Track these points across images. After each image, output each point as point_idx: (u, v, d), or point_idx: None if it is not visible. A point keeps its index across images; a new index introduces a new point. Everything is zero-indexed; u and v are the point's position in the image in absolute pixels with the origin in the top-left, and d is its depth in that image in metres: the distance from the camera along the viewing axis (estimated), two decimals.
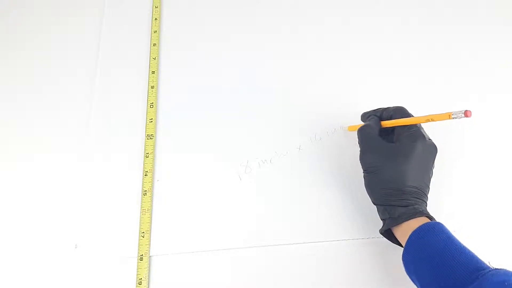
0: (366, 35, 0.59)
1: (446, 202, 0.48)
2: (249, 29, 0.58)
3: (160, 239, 0.46)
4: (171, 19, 0.59)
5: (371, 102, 0.54)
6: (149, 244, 0.45)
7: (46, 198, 0.47)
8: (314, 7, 0.61)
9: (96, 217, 0.47)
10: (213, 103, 0.53)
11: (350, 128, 0.50)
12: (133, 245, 0.45)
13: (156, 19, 0.58)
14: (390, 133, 0.45)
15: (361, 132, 0.45)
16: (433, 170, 0.43)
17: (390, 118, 0.45)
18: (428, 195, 0.43)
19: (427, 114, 0.41)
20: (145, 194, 0.47)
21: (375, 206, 0.44)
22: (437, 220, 0.40)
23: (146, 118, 0.52)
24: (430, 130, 0.45)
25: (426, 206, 0.42)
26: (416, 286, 0.39)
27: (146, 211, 0.47)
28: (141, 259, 0.44)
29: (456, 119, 0.38)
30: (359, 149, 0.45)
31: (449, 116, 0.38)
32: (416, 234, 0.38)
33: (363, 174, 0.44)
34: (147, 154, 0.50)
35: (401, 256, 0.40)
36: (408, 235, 0.39)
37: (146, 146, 0.50)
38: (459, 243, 0.37)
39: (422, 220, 0.39)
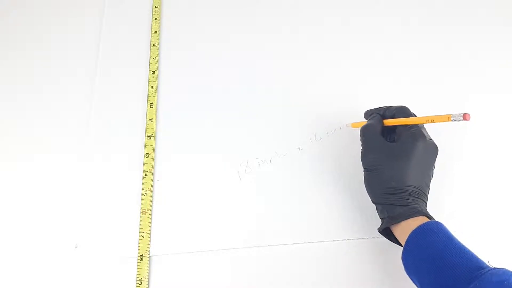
0: (366, 35, 0.59)
1: (446, 202, 0.48)
2: (249, 29, 0.58)
3: (160, 239, 0.46)
4: (171, 19, 0.59)
5: (371, 102, 0.53)
6: (149, 244, 0.45)
7: (46, 198, 0.47)
8: (314, 7, 0.61)
9: (96, 217, 0.47)
10: (213, 103, 0.53)
11: (354, 125, 0.50)
12: (133, 245, 0.45)
13: (156, 19, 0.58)
14: (391, 132, 0.45)
15: (364, 130, 0.45)
16: (434, 171, 0.43)
17: (393, 117, 0.45)
18: (428, 195, 0.43)
19: (428, 115, 0.41)
20: (145, 194, 0.47)
21: (375, 206, 0.44)
22: (437, 220, 0.40)
23: (146, 118, 0.52)
24: (429, 129, 0.45)
25: (426, 206, 0.42)
26: (416, 285, 0.39)
27: (146, 211, 0.47)
28: (141, 259, 0.44)
29: (455, 121, 0.37)
30: (360, 147, 0.45)
31: (448, 118, 0.38)
32: (416, 234, 0.38)
33: (363, 172, 0.44)
34: (147, 154, 0.50)
35: (400, 256, 0.40)
36: (407, 234, 0.39)
37: (146, 146, 0.50)
38: (459, 242, 0.37)
39: (422, 220, 0.39)
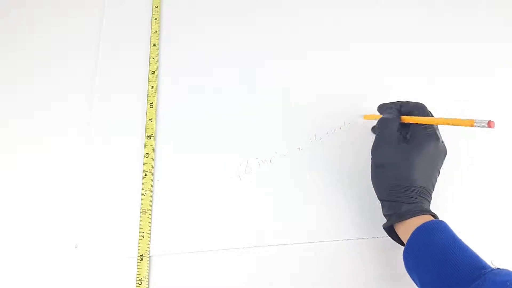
0: (366, 35, 0.59)
1: (448, 203, 0.48)
2: (249, 29, 0.58)
3: (160, 239, 0.46)
4: (171, 19, 0.59)
5: (371, 101, 0.54)
6: (149, 244, 0.45)
7: (46, 198, 0.47)
8: (314, 7, 0.61)
9: (96, 217, 0.47)
10: (213, 103, 0.53)
11: (366, 117, 0.50)
12: (133, 245, 0.45)
13: (156, 19, 0.58)
14: (405, 128, 0.45)
15: (381, 123, 0.44)
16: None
17: (410, 113, 0.44)
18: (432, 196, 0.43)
19: (450, 118, 0.40)
20: (145, 194, 0.47)
21: (375, 206, 0.44)
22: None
23: (146, 118, 0.51)
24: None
25: (429, 205, 0.42)
26: (416, 284, 0.39)
27: (146, 211, 0.47)
28: (141, 259, 0.44)
29: (478, 127, 0.36)
30: (372, 139, 0.45)
31: (471, 124, 0.37)
32: (419, 231, 0.38)
33: (371, 166, 0.44)
34: (147, 154, 0.50)
35: (401, 256, 0.40)
36: (411, 232, 0.39)
37: (146, 146, 0.50)
38: (462, 242, 0.37)
39: (426, 218, 0.39)
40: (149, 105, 0.52)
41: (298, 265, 0.45)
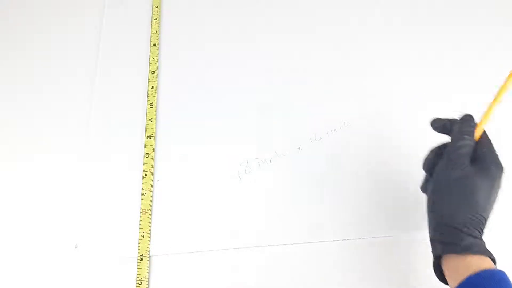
0: (366, 35, 0.59)
1: None
2: (249, 29, 0.58)
3: (160, 239, 0.46)
4: (171, 19, 0.59)
5: (371, 101, 0.54)
6: (149, 244, 0.45)
7: (46, 198, 0.47)
8: (314, 7, 0.61)
9: (96, 217, 0.47)
10: (213, 103, 0.53)
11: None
12: (133, 245, 0.45)
13: (156, 19, 0.58)
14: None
15: (458, 151, 0.38)
16: None
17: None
18: None
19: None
20: (145, 194, 0.47)
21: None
22: None
23: (146, 118, 0.52)
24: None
25: None
26: None
27: (146, 211, 0.47)
28: (141, 259, 0.44)
29: None
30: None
31: None
32: (478, 278, 0.33)
33: (434, 186, 0.38)
34: (147, 154, 0.50)
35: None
36: (463, 274, 0.33)
37: (146, 146, 0.50)
38: None
39: (487, 262, 0.34)
40: (149, 105, 0.52)
41: (298, 265, 0.45)
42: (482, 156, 0.37)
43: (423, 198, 0.48)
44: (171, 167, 0.49)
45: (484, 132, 0.39)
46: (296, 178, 0.49)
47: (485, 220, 0.36)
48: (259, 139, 0.51)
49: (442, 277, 0.37)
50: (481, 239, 0.35)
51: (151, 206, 0.47)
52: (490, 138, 0.39)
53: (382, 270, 0.45)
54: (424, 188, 0.41)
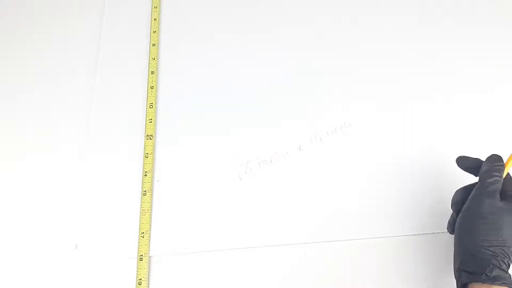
0: (366, 35, 0.58)
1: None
2: (249, 29, 0.58)
3: (160, 239, 0.46)
4: (171, 19, 0.59)
5: (371, 101, 0.54)
6: (149, 244, 0.45)
7: (46, 198, 0.48)
8: (313, 7, 0.60)
9: (96, 217, 0.47)
10: (213, 103, 0.53)
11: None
12: (133, 245, 0.45)
13: (155, 19, 0.58)
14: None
15: (488, 188, 0.40)
16: None
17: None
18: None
19: None
20: (144, 194, 0.47)
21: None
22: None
23: (146, 118, 0.52)
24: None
25: None
26: None
27: (146, 211, 0.47)
28: (141, 259, 0.45)
29: None
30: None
31: None
32: None
33: (465, 213, 0.40)
34: (146, 154, 0.50)
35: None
36: None
37: (146, 146, 0.50)
38: None
39: None
40: (148, 106, 0.52)
41: (299, 266, 0.45)
42: (511, 193, 0.40)
43: (423, 198, 0.48)
44: (171, 167, 0.49)
45: (508, 173, 0.41)
46: (296, 178, 0.49)
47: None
48: (259, 139, 0.51)
49: None
50: (507, 272, 0.37)
51: (151, 206, 0.47)
52: None
53: (382, 270, 0.45)
54: (451, 228, 0.42)
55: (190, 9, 0.59)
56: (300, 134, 0.52)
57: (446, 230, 0.43)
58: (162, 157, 0.50)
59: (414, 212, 0.48)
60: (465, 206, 0.40)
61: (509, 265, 0.37)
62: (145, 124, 0.51)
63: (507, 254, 0.37)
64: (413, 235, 0.47)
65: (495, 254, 0.37)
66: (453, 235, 0.42)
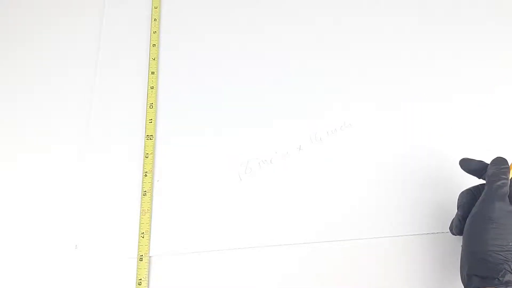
0: (366, 35, 0.58)
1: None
2: (249, 29, 0.58)
3: (160, 239, 0.46)
4: (171, 20, 0.59)
5: (372, 101, 0.54)
6: (149, 245, 0.45)
7: (46, 198, 0.48)
8: (313, 7, 0.60)
9: (96, 217, 0.47)
10: (213, 103, 0.53)
11: None
12: (133, 245, 0.45)
13: (155, 19, 0.58)
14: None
15: (498, 191, 0.39)
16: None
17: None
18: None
19: None
20: (145, 195, 0.48)
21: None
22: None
23: (146, 118, 0.52)
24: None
25: None
26: None
27: (146, 212, 0.47)
28: (141, 259, 0.45)
29: None
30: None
31: None
32: None
33: (476, 217, 0.40)
34: (146, 155, 0.50)
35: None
36: None
37: (146, 147, 0.50)
38: None
39: None
40: (148, 106, 0.52)
41: (299, 266, 0.45)
42: None
43: (423, 198, 0.48)
44: (171, 168, 0.49)
45: None
46: (296, 178, 0.49)
47: None
48: (259, 139, 0.51)
49: None
50: None
51: (151, 206, 0.47)
52: None
53: (382, 270, 0.45)
54: (457, 230, 0.42)
55: (190, 9, 0.59)
56: (300, 134, 0.52)
57: (446, 230, 0.43)
58: (162, 157, 0.50)
59: (414, 212, 0.48)
60: (474, 210, 0.40)
61: None
62: (145, 124, 0.51)
63: None
64: (413, 235, 0.47)
65: (507, 259, 0.36)
66: (455, 236, 0.42)
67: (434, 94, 0.54)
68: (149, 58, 0.55)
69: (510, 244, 0.37)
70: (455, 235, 0.42)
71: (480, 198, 0.40)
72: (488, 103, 0.54)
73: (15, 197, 0.48)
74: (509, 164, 0.41)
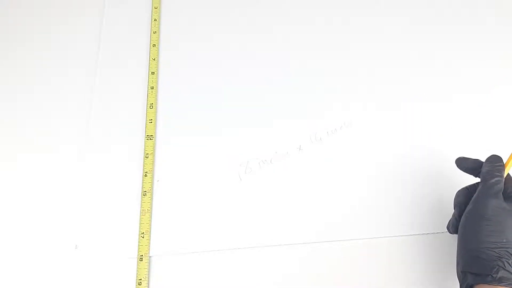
0: (366, 35, 0.58)
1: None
2: (249, 29, 0.58)
3: (160, 239, 0.46)
4: (171, 20, 0.58)
5: (372, 101, 0.54)
6: (149, 245, 0.45)
7: (46, 198, 0.48)
8: (313, 7, 0.60)
9: (96, 217, 0.47)
10: (213, 103, 0.53)
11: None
12: (133, 245, 0.45)
13: (155, 20, 0.58)
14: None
15: (491, 188, 0.40)
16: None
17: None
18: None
19: None
20: (145, 195, 0.48)
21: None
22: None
23: (146, 118, 0.52)
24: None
25: None
26: None
27: (146, 212, 0.47)
28: (141, 259, 0.45)
29: None
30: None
31: None
32: None
33: (469, 214, 0.40)
34: (147, 155, 0.50)
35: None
36: None
37: (146, 147, 0.50)
38: None
39: None
40: (149, 106, 0.52)
41: (299, 266, 0.45)
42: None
43: (423, 198, 0.49)
44: (171, 168, 0.49)
45: (508, 173, 0.42)
46: (296, 178, 0.49)
47: None
48: (259, 139, 0.51)
49: None
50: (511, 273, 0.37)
51: (151, 206, 0.47)
52: None
53: (382, 270, 0.45)
54: (453, 228, 0.42)
55: (190, 9, 0.59)
56: (300, 134, 0.52)
57: (446, 230, 0.43)
58: (162, 157, 0.50)
59: (414, 212, 0.48)
60: (468, 207, 0.40)
61: None
62: (145, 125, 0.51)
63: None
64: (413, 235, 0.47)
65: (500, 256, 0.37)
66: (453, 235, 0.42)
67: (434, 94, 0.54)
68: (149, 58, 0.55)
69: (504, 241, 0.37)
70: (452, 233, 0.42)
71: (474, 195, 0.41)
72: (488, 103, 0.54)
73: (15, 197, 0.48)
74: (504, 162, 0.41)
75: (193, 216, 0.47)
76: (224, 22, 0.59)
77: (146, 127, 0.51)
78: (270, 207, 0.48)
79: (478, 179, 0.42)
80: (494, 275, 0.36)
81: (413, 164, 0.50)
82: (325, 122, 0.52)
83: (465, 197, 0.42)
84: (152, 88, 0.53)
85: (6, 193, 0.48)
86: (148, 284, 0.44)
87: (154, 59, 0.55)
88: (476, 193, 0.40)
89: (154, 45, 0.56)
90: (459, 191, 0.43)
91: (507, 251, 0.37)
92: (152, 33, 0.57)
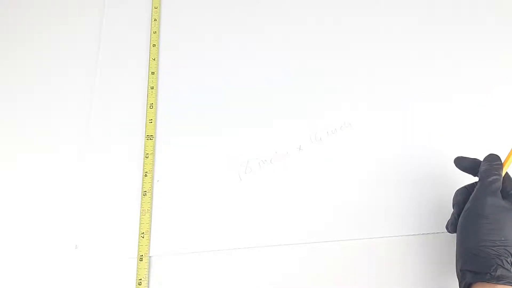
0: (366, 35, 0.59)
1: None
2: (249, 29, 0.58)
3: (160, 239, 0.46)
4: (171, 20, 0.59)
5: (372, 101, 0.54)
6: (149, 245, 0.45)
7: (46, 198, 0.48)
8: (313, 7, 0.60)
9: (96, 217, 0.47)
10: (213, 103, 0.53)
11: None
12: (133, 245, 0.45)
13: (155, 20, 0.58)
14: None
15: (489, 186, 0.40)
16: None
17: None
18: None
19: None
20: (145, 195, 0.48)
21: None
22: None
23: (146, 118, 0.52)
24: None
25: None
26: None
27: (146, 212, 0.47)
28: (141, 259, 0.45)
29: None
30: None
31: None
32: None
33: (468, 213, 0.40)
34: (147, 155, 0.50)
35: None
36: None
37: (146, 147, 0.50)
38: None
39: None
40: (149, 106, 0.52)
41: (298, 266, 0.45)
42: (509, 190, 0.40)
43: (423, 198, 0.49)
44: (171, 168, 0.49)
45: (507, 172, 0.42)
46: (296, 178, 0.49)
47: None
48: (259, 139, 0.51)
49: None
50: (511, 271, 0.37)
51: (151, 206, 0.47)
52: None
53: (382, 270, 0.45)
54: (452, 227, 0.42)
55: (190, 9, 0.59)
56: (300, 134, 0.52)
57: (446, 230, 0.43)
58: (162, 157, 0.50)
59: (414, 212, 0.48)
60: (467, 206, 0.40)
61: (511, 264, 0.37)
62: (145, 125, 0.51)
63: (510, 254, 0.37)
64: (413, 235, 0.47)
65: (498, 254, 0.37)
66: (453, 234, 0.42)
67: (434, 94, 0.54)
68: (149, 58, 0.55)
69: (502, 239, 0.37)
70: (451, 232, 0.42)
71: (472, 194, 0.41)
72: (488, 103, 0.54)
73: (15, 197, 0.48)
74: (502, 161, 0.41)
75: (193, 216, 0.47)
76: (224, 22, 0.59)
77: (146, 127, 0.51)
78: (270, 207, 0.48)
79: (477, 179, 0.42)
80: (493, 273, 0.36)
81: (413, 164, 0.50)
82: (325, 122, 0.52)
83: (464, 196, 0.42)
84: (152, 88, 0.53)
85: (6, 193, 0.48)
86: (148, 284, 0.44)
87: (154, 59, 0.55)
88: (474, 191, 0.41)
89: (154, 45, 0.56)
90: (458, 190, 0.43)
91: (506, 249, 0.37)
92: (152, 33, 0.57)
